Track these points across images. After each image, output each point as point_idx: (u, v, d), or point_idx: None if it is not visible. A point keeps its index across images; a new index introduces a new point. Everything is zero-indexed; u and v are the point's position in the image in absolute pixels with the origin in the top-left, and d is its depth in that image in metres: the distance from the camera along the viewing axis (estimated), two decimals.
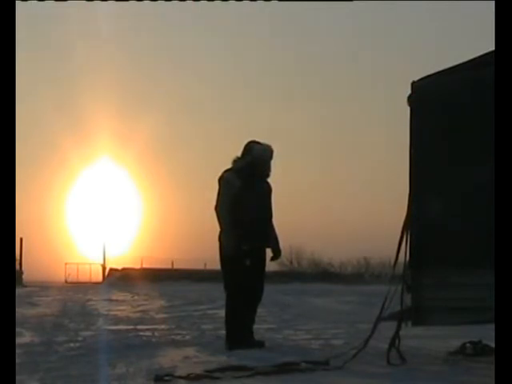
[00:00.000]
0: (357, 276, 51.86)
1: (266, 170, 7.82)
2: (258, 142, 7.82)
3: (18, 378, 4.99)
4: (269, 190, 7.89)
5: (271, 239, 7.88)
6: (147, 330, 10.23)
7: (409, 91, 7.01)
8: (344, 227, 65.92)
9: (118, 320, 12.80)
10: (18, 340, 8.03)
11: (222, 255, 7.81)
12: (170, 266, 53.42)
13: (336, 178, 69.59)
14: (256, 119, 69.18)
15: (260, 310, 8.19)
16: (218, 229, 7.78)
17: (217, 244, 7.80)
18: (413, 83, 7.00)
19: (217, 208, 7.73)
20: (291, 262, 57.84)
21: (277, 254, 7.94)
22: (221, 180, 7.77)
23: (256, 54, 71.76)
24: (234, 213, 7.62)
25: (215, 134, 71.99)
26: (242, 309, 7.69)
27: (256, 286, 7.77)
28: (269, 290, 8.37)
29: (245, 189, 7.65)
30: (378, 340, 7.05)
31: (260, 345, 7.67)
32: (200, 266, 50.77)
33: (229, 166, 7.84)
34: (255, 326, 7.95)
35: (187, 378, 5.76)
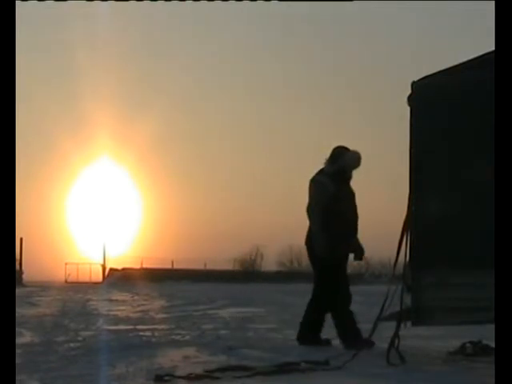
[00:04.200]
0: (357, 276, 51.87)
1: (351, 176, 8.02)
2: (346, 148, 7.96)
3: (17, 378, 4.99)
4: (354, 194, 8.08)
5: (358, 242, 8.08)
6: (147, 329, 10.22)
7: (409, 91, 7.01)
8: None
9: (117, 320, 12.78)
10: (18, 340, 8.03)
11: (313, 256, 7.96)
12: (170, 266, 53.46)
13: None
14: (256, 119, 69.26)
15: (260, 310, 8.19)
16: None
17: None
18: (413, 83, 7.00)
19: (309, 209, 7.87)
20: (291, 262, 57.86)
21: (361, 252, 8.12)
22: (313, 182, 7.91)
23: (256, 53, 71.80)
24: (327, 215, 7.75)
25: (215, 134, 72.01)
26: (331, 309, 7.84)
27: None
28: (269, 289, 8.36)
29: (338, 193, 7.81)
30: (378, 340, 7.05)
31: (370, 344, 7.29)
32: (200, 266, 50.87)
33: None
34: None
35: (187, 378, 5.76)
